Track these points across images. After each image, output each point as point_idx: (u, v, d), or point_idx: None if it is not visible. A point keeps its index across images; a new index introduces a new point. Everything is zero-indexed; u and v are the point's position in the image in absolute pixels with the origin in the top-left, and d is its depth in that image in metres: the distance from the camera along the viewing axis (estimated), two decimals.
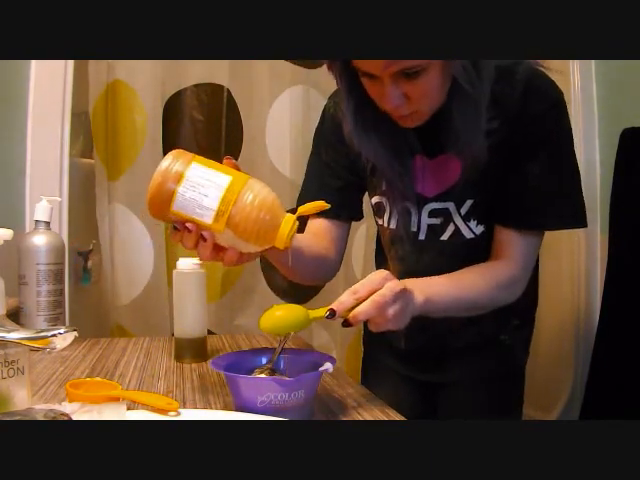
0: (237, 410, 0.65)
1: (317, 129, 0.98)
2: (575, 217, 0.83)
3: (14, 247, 1.01)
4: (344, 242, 0.96)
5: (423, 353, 0.98)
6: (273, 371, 0.69)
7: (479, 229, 0.86)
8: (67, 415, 0.50)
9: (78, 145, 1.58)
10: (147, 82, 1.47)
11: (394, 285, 0.67)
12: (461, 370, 0.97)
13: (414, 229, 0.89)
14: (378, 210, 0.94)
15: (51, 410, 0.50)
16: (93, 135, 1.48)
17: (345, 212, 0.95)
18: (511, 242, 0.83)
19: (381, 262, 1.02)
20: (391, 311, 0.67)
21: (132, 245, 1.49)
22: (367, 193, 0.97)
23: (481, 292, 0.81)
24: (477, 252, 0.86)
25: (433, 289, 0.76)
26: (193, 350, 0.93)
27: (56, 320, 1.03)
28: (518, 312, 0.93)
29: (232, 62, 1.56)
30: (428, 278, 0.79)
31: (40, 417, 0.48)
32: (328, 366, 0.66)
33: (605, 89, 1.55)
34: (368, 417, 0.68)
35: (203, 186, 0.62)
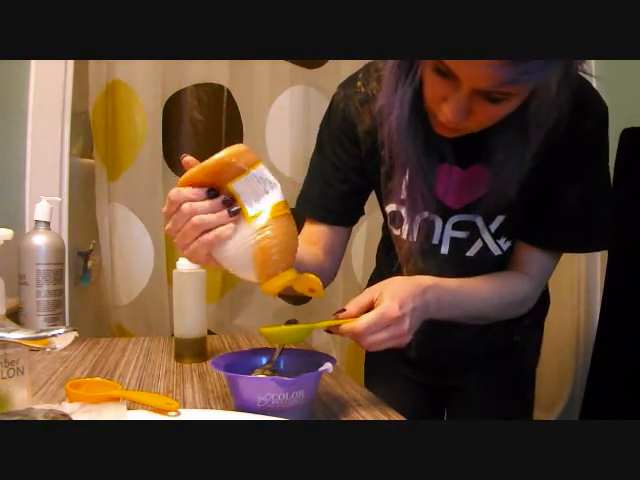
0: (237, 410, 0.65)
1: (323, 124, 0.88)
2: (602, 241, 0.81)
3: (14, 247, 1.01)
4: (343, 248, 0.91)
5: (433, 361, 0.96)
6: (273, 371, 0.69)
7: (506, 245, 0.82)
8: (67, 415, 0.50)
9: (78, 145, 1.58)
10: (147, 82, 1.47)
11: (385, 310, 0.65)
12: (471, 375, 0.96)
13: (435, 242, 0.83)
14: (393, 220, 0.86)
15: (51, 410, 0.50)
16: (93, 135, 1.48)
17: (348, 218, 0.89)
18: (533, 260, 0.80)
19: (384, 267, 0.97)
20: (372, 339, 0.66)
21: (132, 245, 1.49)
22: (378, 200, 0.91)
23: (494, 303, 0.79)
24: (502, 268, 0.83)
25: (446, 282, 0.75)
26: (193, 350, 0.94)
27: (56, 320, 1.03)
28: (530, 314, 0.91)
29: (232, 62, 1.56)
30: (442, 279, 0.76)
31: (40, 417, 0.48)
32: (328, 366, 0.66)
33: (605, 89, 1.55)
34: (368, 417, 0.68)
35: (269, 183, 0.61)
